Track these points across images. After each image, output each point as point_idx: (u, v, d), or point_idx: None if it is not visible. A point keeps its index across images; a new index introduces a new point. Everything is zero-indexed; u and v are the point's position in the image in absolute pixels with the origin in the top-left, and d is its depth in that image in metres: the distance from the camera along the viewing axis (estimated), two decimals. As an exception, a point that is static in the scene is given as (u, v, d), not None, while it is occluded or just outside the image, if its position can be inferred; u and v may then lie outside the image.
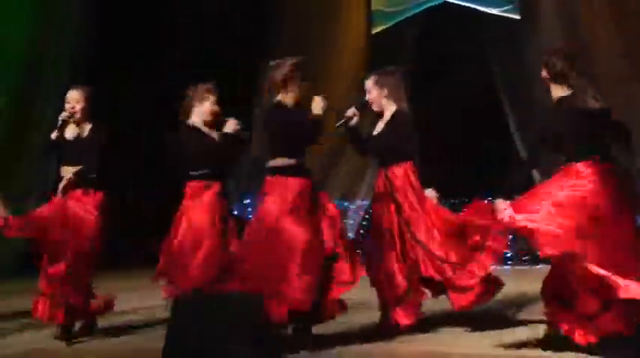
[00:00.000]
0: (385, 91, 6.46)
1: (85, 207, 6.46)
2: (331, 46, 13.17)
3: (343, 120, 6.42)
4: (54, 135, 6.53)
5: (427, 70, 12.63)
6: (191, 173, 6.33)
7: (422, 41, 13.18)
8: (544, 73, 5.63)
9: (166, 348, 4.63)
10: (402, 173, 6.33)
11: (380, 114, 6.51)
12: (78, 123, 6.62)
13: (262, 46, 12.69)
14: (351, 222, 13.33)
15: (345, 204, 13.45)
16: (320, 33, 13.05)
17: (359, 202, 13.38)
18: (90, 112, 6.65)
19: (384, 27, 13.40)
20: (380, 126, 6.48)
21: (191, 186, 6.31)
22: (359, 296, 6.51)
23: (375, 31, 13.47)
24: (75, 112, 6.57)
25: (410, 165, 6.36)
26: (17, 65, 11.76)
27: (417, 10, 13.20)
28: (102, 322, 6.95)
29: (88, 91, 6.67)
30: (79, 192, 6.51)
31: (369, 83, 6.51)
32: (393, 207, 6.29)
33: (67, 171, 6.53)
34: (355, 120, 6.49)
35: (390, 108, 6.47)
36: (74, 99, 6.60)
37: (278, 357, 4.89)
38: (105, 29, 12.35)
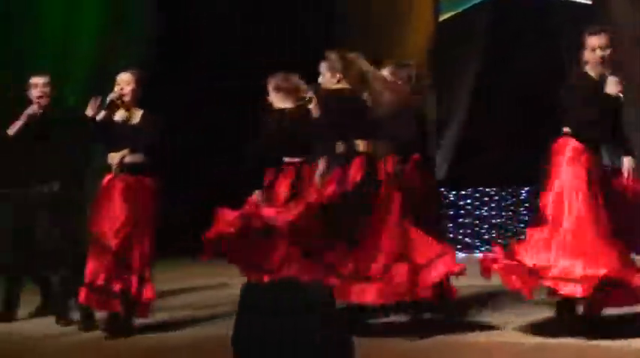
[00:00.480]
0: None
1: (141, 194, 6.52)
2: (399, 32, 13.12)
3: (303, 101, 6.51)
4: (101, 116, 6.43)
5: (496, 56, 12.55)
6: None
7: (490, 27, 13.08)
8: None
9: (236, 335, 4.62)
10: None
11: None
12: (127, 108, 6.58)
13: (329, 35, 12.76)
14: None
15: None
16: (388, 19, 13.00)
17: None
18: (139, 97, 6.61)
19: (451, 13, 13.32)
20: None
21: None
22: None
23: (442, 18, 13.38)
24: (124, 94, 6.54)
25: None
26: (86, 77, 11.92)
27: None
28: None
29: (139, 74, 6.66)
30: (130, 179, 6.49)
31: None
32: None
33: (116, 157, 6.49)
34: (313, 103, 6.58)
35: None
36: (124, 81, 6.59)
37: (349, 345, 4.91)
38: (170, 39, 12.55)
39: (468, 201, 13.28)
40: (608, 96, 5.93)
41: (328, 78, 6.46)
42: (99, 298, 6.38)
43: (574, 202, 5.80)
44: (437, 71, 12.87)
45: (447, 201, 13.21)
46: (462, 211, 13.25)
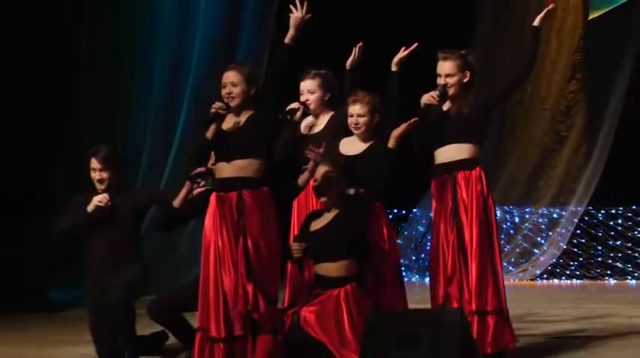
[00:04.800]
0: None
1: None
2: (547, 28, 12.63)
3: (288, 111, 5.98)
4: (210, 133, 5.67)
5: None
6: None
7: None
8: None
9: None
10: None
11: None
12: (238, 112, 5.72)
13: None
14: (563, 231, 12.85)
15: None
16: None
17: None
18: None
19: (603, 11, 12.70)
20: None
21: None
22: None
23: (592, 16, 12.79)
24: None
25: None
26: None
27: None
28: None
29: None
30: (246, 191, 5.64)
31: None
32: None
33: (226, 168, 5.66)
34: (299, 114, 6.04)
35: None
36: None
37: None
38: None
39: (619, 221, 12.65)
40: None
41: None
42: None
43: None
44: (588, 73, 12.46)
45: (595, 220, 12.66)
46: (613, 233, 12.62)
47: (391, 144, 5.69)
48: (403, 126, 5.69)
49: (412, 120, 5.68)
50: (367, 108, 5.87)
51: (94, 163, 6.57)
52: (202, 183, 6.12)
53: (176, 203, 6.20)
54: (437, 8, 12.63)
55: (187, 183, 6.13)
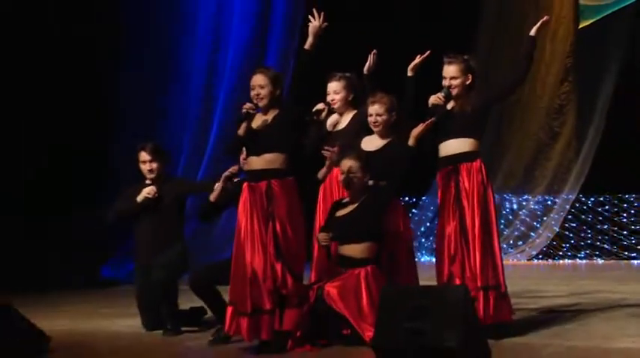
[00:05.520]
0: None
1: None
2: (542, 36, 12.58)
3: (314, 112, 6.09)
4: (242, 131, 5.62)
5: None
6: None
7: (631, 35, 12.35)
8: None
9: (377, 340, 4.51)
10: None
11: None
12: (265, 111, 5.68)
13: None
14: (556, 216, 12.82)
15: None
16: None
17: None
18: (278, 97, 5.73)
19: (591, 21, 12.64)
20: None
21: None
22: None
23: (582, 25, 12.73)
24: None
25: None
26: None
27: (627, 2, 12.32)
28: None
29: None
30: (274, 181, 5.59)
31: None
32: None
33: (256, 161, 5.59)
34: (324, 114, 6.16)
35: None
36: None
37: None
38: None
39: (607, 207, 12.65)
40: None
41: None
42: None
43: None
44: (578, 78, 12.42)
45: (585, 207, 12.63)
46: (600, 218, 12.60)
47: (411, 142, 5.70)
48: (422, 126, 5.69)
49: (430, 121, 5.70)
50: (385, 108, 5.92)
51: (144, 156, 6.65)
52: (235, 180, 6.17)
53: (212, 197, 6.23)
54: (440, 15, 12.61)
55: (222, 180, 6.18)
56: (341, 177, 5.75)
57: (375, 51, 6.32)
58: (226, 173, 6.15)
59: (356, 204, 5.73)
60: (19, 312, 5.71)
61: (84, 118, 10.73)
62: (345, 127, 6.24)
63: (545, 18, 5.92)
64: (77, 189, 10.60)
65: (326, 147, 6.01)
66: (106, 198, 7.64)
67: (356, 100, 6.28)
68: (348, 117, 6.27)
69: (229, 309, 5.59)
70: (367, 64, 6.33)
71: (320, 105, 6.20)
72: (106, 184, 10.17)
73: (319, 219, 6.18)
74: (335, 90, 6.24)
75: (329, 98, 6.24)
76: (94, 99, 11.02)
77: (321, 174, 6.17)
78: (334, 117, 6.31)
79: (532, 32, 5.85)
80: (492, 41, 12.91)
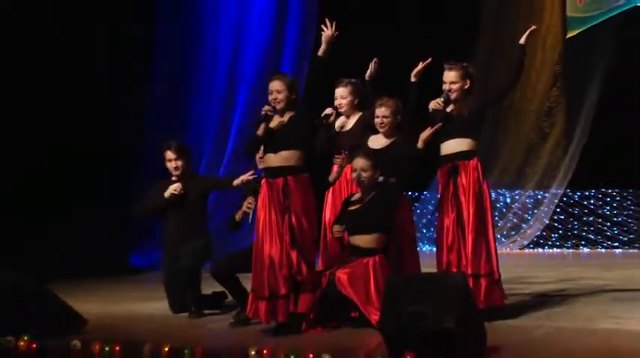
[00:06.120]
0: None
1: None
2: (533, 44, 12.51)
3: (323, 117, 6.13)
4: (261, 131, 5.61)
5: (621, 74, 11.78)
6: None
7: (617, 45, 12.26)
8: None
9: (383, 322, 4.50)
10: None
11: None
12: (282, 113, 5.67)
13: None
14: (546, 209, 12.80)
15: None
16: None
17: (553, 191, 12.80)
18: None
19: (578, 31, 12.59)
20: None
21: None
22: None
23: (569, 35, 12.68)
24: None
25: None
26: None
27: (611, 14, 12.25)
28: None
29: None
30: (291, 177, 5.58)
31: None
32: None
33: (273, 158, 5.59)
34: (332, 118, 6.20)
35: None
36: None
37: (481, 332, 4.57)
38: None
39: (592, 201, 12.64)
40: None
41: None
42: None
43: None
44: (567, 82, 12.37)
45: (572, 201, 12.63)
46: (586, 210, 12.59)
47: (420, 145, 5.70)
48: (429, 130, 5.70)
49: (437, 126, 5.71)
50: (391, 111, 5.94)
51: (169, 154, 6.66)
52: (253, 177, 6.20)
53: (237, 217, 6.30)
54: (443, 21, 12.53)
55: (248, 198, 6.24)
56: (353, 175, 5.77)
57: (376, 59, 6.34)
58: (243, 180, 6.23)
59: (367, 199, 5.75)
60: (58, 296, 5.75)
61: (84, 118, 10.38)
62: (351, 128, 6.29)
63: (532, 27, 5.91)
64: (77, 189, 10.26)
65: (336, 156, 6.08)
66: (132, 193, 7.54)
67: (361, 103, 6.32)
68: (354, 119, 6.31)
69: (251, 295, 5.63)
70: (369, 71, 6.35)
71: (328, 110, 6.25)
72: (139, 183, 9.79)
73: (327, 213, 6.23)
74: (342, 95, 6.27)
75: (336, 102, 6.28)
76: (94, 99, 10.66)
77: (332, 177, 6.21)
78: (341, 119, 6.36)
79: (521, 40, 5.85)
80: (493, 42, 12.80)
